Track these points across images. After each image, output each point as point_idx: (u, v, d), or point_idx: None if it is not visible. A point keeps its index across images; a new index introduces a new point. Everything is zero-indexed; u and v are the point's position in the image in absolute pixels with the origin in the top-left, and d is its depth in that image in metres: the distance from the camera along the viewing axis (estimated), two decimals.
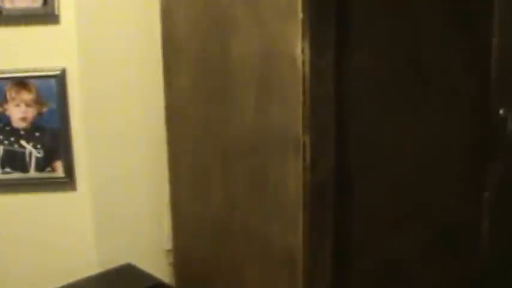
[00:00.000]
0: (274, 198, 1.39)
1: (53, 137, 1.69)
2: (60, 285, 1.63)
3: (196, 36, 1.55)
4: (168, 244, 1.85)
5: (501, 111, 1.70)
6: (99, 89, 1.72)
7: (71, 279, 1.66)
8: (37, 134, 1.69)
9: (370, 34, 1.34)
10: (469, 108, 1.63)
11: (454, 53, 1.55)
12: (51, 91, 1.67)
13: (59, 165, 1.71)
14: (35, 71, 1.66)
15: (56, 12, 1.64)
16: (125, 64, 1.73)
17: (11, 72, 1.64)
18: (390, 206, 1.49)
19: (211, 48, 1.50)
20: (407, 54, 1.43)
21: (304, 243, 1.33)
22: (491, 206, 1.73)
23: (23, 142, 1.67)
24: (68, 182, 1.72)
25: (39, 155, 1.69)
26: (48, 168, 1.70)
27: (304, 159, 1.28)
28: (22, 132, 1.67)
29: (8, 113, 1.66)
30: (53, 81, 1.66)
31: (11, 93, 1.65)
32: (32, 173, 1.70)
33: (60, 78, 1.67)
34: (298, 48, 1.24)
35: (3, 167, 1.68)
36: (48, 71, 1.66)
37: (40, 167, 1.70)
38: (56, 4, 1.63)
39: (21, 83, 1.65)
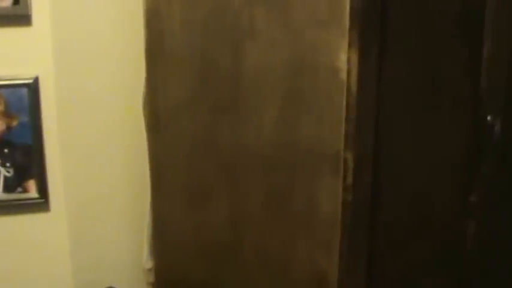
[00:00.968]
0: (299, 220, 1.31)
1: (24, 153, 1.51)
2: None
3: (195, 40, 1.43)
4: (148, 263, 1.72)
5: (489, 118, 1.72)
6: (76, 100, 1.56)
7: None
8: (6, 150, 1.50)
9: (403, 43, 1.29)
10: (464, 116, 1.63)
11: (456, 62, 1.54)
12: (22, 102, 1.49)
13: (31, 185, 1.53)
14: (3, 79, 1.47)
15: (29, 13, 1.45)
16: (104, 72, 1.58)
17: None
18: (407, 218, 1.46)
19: (217, 54, 1.39)
20: (427, 64, 1.40)
21: (340, 266, 1.26)
22: (478, 209, 1.75)
23: None
24: (42, 202, 1.54)
25: (8, 174, 1.51)
26: (19, 189, 1.52)
27: (345, 177, 1.20)
28: None
29: None
30: (24, 91, 1.49)
31: None
32: (0, 194, 1.51)
33: (33, 88, 1.49)
34: (342, 58, 1.16)
35: None
36: (18, 79, 1.49)
37: (10, 188, 1.51)
38: (28, 3, 1.44)
39: None
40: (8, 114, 1.48)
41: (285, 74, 1.26)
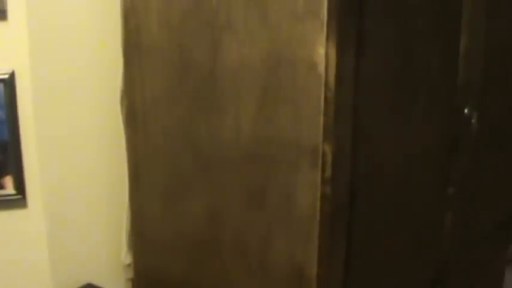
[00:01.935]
0: (278, 213, 1.31)
1: (0, 149, 1.49)
2: None
3: (172, 35, 1.42)
4: (126, 259, 1.71)
5: (466, 110, 1.74)
6: (53, 95, 1.54)
7: None
8: None
9: (381, 36, 1.29)
10: (441, 108, 1.64)
11: (433, 56, 1.55)
12: None
13: (8, 181, 1.51)
14: None
15: (4, 7, 1.43)
16: (81, 67, 1.56)
17: None
18: (385, 210, 1.47)
19: (194, 49, 1.38)
20: (404, 58, 1.41)
21: (320, 258, 1.26)
22: (455, 201, 1.77)
23: None
24: (19, 199, 1.52)
25: None
26: None
27: (323, 171, 1.21)
28: None
29: None
30: (0, 87, 1.46)
31: None
32: None
33: (9, 83, 1.47)
34: (319, 52, 1.16)
35: None
36: None
37: None
38: None
39: None
40: None
41: (263, 68, 1.26)
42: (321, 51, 1.16)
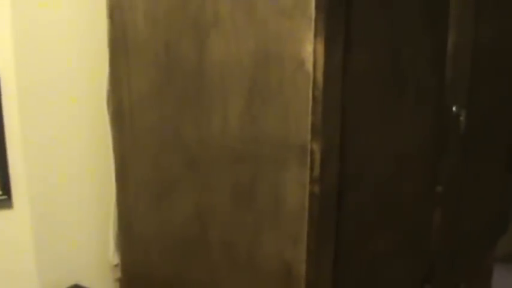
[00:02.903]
0: (266, 212, 1.30)
1: None
2: None
3: (159, 32, 1.41)
4: (114, 259, 1.70)
5: (454, 108, 1.73)
6: (38, 95, 1.52)
7: None
8: None
9: (366, 33, 1.29)
10: (429, 106, 1.64)
11: (421, 54, 1.54)
12: None
13: None
14: None
15: None
16: (67, 66, 1.55)
17: None
18: (373, 209, 1.46)
19: (181, 46, 1.37)
20: (392, 55, 1.40)
21: (308, 257, 1.25)
22: (443, 199, 1.77)
23: None
24: (5, 199, 1.50)
25: None
26: None
27: (312, 169, 1.20)
28: None
29: None
30: None
31: None
32: None
33: None
34: (307, 49, 1.15)
35: None
36: None
37: None
38: None
39: None
40: None
41: (250, 66, 1.25)
42: (309, 49, 1.15)
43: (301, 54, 1.16)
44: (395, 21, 1.38)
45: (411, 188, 1.62)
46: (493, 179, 2.15)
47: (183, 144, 1.42)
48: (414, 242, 1.70)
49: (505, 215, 2.34)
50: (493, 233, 2.29)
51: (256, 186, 1.30)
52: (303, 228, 1.24)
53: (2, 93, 1.45)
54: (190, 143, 1.40)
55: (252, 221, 1.33)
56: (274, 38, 1.20)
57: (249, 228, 1.34)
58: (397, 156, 1.50)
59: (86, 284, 1.66)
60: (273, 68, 1.21)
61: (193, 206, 1.44)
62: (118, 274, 1.70)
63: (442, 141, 1.71)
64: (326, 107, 1.17)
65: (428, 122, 1.63)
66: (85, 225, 1.67)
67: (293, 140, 1.22)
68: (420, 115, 1.58)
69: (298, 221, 1.25)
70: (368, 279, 1.52)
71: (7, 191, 1.51)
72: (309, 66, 1.15)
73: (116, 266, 1.70)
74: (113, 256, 1.70)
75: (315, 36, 1.14)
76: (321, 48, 1.14)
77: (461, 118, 1.73)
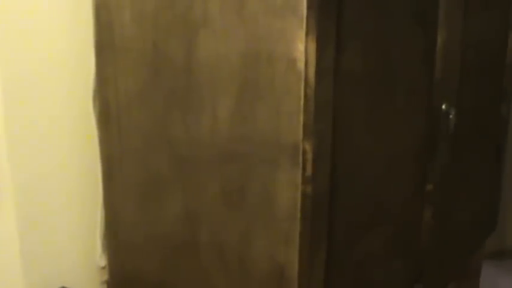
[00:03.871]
0: (257, 213, 1.28)
1: None
2: None
3: (146, 31, 1.39)
4: (101, 261, 1.67)
5: (443, 107, 1.73)
6: (23, 94, 1.49)
7: None
8: None
9: (357, 32, 1.27)
10: (419, 105, 1.63)
11: (411, 52, 1.54)
12: None
13: None
14: None
15: None
16: (53, 65, 1.52)
17: None
18: (365, 208, 1.45)
19: (169, 45, 1.35)
20: (383, 54, 1.39)
21: (300, 258, 1.24)
22: (433, 198, 1.76)
23: None
24: None
25: None
26: None
27: (304, 169, 1.18)
28: None
29: None
30: None
31: None
32: None
33: None
34: (299, 48, 1.14)
35: None
36: None
37: None
38: None
39: None
40: None
41: (240, 65, 1.23)
42: (301, 47, 1.13)
43: (293, 53, 1.15)
44: (387, 20, 1.37)
45: (401, 187, 1.61)
46: (482, 177, 2.15)
47: (171, 144, 1.40)
48: (405, 241, 1.69)
49: (493, 213, 2.34)
50: (482, 231, 2.29)
51: (247, 187, 1.29)
52: (295, 229, 1.23)
53: None
54: (179, 143, 1.38)
55: (243, 223, 1.31)
56: (264, 37, 1.19)
57: (240, 229, 1.32)
58: (387, 155, 1.49)
59: (72, 286, 1.63)
60: (264, 67, 1.20)
61: (182, 207, 1.42)
62: (105, 276, 1.68)
63: (432, 140, 1.71)
64: (318, 106, 1.16)
65: (418, 121, 1.62)
66: (71, 227, 1.64)
67: (285, 140, 1.20)
68: (410, 114, 1.58)
69: (290, 221, 1.23)
70: (359, 279, 1.51)
71: None
72: (301, 65, 1.14)
73: (103, 268, 1.68)
74: (100, 258, 1.68)
75: (307, 35, 1.12)
76: (312, 47, 1.13)
77: (451, 117, 1.73)
